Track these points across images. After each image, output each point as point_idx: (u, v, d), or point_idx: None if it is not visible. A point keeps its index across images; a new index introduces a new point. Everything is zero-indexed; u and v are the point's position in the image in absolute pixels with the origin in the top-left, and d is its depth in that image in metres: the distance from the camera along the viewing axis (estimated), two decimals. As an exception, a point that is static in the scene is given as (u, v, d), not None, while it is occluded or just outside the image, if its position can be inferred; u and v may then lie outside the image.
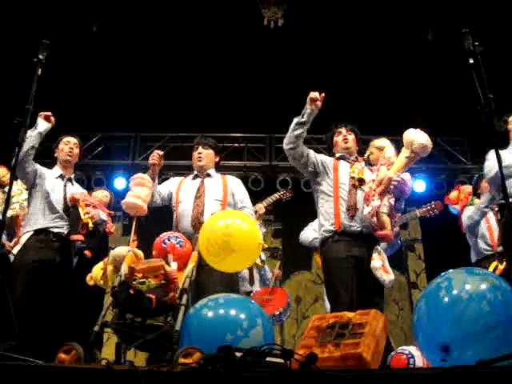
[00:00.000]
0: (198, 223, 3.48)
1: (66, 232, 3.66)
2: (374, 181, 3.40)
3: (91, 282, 3.45)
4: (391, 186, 3.32)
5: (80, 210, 3.65)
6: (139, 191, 3.35)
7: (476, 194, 4.84)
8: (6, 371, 1.72)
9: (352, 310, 2.62)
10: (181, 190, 3.77)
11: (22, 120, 2.76)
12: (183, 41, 6.49)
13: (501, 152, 3.36)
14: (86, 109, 6.72)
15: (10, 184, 2.76)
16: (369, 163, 3.68)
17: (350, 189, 3.46)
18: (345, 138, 3.67)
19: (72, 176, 3.98)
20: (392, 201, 3.38)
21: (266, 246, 3.26)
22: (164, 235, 3.09)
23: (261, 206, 4.84)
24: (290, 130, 3.48)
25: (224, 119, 6.95)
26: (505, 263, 4.03)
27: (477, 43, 2.71)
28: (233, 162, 7.22)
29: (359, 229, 3.36)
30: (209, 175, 3.85)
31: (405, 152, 3.38)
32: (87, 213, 3.66)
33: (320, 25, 6.26)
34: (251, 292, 4.91)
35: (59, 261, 3.60)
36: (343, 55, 6.60)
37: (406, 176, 3.47)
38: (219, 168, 4.05)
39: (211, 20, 6.27)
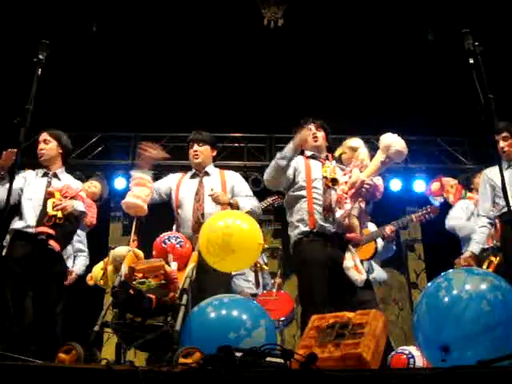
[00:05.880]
0: (198, 228, 3.45)
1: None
2: (346, 183, 3.37)
3: (91, 282, 3.45)
4: (363, 190, 3.29)
5: (49, 202, 3.55)
6: (139, 191, 3.35)
7: (469, 188, 4.91)
8: (6, 371, 1.72)
9: (324, 310, 2.65)
10: (180, 190, 3.79)
11: (22, 120, 2.77)
12: (183, 41, 6.49)
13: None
14: (86, 109, 6.72)
15: (11, 184, 2.76)
16: (340, 162, 3.63)
17: (324, 189, 3.43)
18: (314, 135, 3.60)
19: (58, 170, 3.83)
20: (363, 204, 3.36)
21: (267, 246, 3.25)
22: (164, 235, 3.09)
23: None
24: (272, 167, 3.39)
25: (224, 119, 6.94)
26: (498, 258, 4.03)
27: (477, 43, 2.71)
28: (233, 161, 7.19)
29: (333, 229, 3.34)
30: (207, 173, 3.86)
31: (380, 156, 3.35)
32: (57, 205, 3.53)
33: (320, 25, 6.26)
34: (256, 294, 4.93)
35: (35, 258, 3.46)
36: (343, 55, 6.60)
37: (378, 181, 3.44)
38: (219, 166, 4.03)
39: (211, 20, 6.27)
